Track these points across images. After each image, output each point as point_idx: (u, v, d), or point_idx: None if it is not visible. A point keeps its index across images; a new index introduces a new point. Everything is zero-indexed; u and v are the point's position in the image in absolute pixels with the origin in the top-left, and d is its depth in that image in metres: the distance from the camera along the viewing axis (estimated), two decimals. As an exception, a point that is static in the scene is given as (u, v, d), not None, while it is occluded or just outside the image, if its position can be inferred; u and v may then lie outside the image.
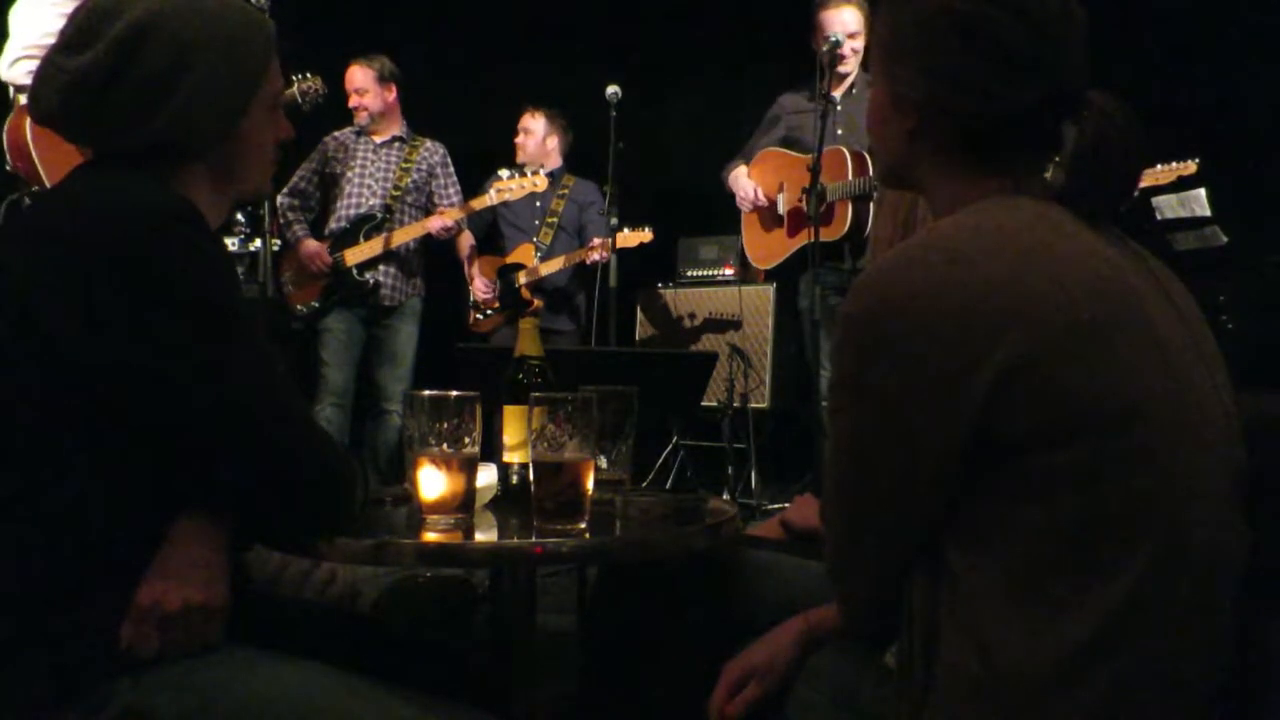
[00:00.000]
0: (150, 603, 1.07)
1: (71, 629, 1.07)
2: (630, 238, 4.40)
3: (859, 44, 3.79)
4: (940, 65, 1.04)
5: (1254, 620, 0.97)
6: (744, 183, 4.09)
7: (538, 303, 4.49)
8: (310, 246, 4.11)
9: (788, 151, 3.99)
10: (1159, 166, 3.62)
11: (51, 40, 1.22)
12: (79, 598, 1.08)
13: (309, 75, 3.86)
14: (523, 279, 4.54)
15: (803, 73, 3.85)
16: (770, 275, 4.78)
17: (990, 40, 1.02)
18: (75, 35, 1.18)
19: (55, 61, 1.18)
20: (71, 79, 1.16)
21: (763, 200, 4.03)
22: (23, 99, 3.10)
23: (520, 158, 4.59)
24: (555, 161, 4.66)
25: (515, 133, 4.66)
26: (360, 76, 4.19)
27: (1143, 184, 3.65)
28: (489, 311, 4.58)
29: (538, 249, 4.57)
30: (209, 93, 1.21)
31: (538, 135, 4.62)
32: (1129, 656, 0.90)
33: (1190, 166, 3.58)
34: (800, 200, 3.91)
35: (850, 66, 3.84)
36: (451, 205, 4.27)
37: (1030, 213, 1.00)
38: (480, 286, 4.53)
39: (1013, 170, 1.05)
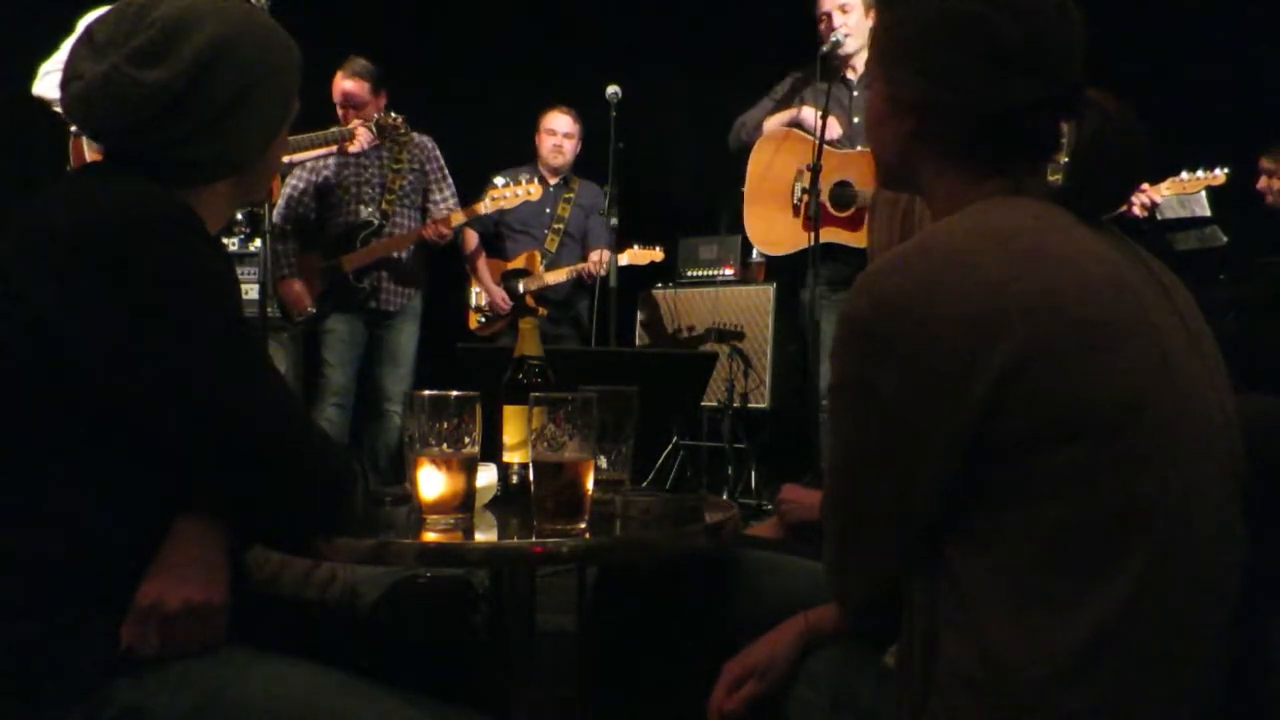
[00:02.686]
0: (150, 603, 1.08)
1: (71, 629, 1.07)
2: (641, 255, 4.41)
3: (851, 19, 3.59)
4: (935, 66, 1.05)
5: (1254, 620, 0.97)
6: (806, 112, 3.75)
7: (543, 311, 4.48)
8: (293, 291, 4.05)
9: (810, 137, 3.71)
10: (1184, 175, 3.58)
11: None
12: (79, 598, 1.08)
13: (393, 114, 3.99)
14: (529, 286, 4.50)
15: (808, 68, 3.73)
16: (771, 272, 4.78)
17: (984, 40, 1.02)
18: (146, 47, 1.15)
19: (124, 71, 1.15)
20: (145, 93, 1.15)
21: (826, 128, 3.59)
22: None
23: (558, 161, 4.55)
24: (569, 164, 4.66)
25: (536, 133, 4.60)
26: (356, 89, 4.08)
27: (1167, 192, 3.60)
28: (491, 317, 4.55)
29: (544, 256, 4.55)
30: (260, 119, 1.24)
31: (576, 138, 4.60)
32: (1129, 657, 0.90)
33: (1219, 177, 3.54)
34: (821, 194, 3.79)
35: (850, 46, 3.63)
36: (446, 203, 4.25)
37: (1030, 213, 1.00)
38: (500, 296, 4.50)
39: (1012, 170, 1.05)
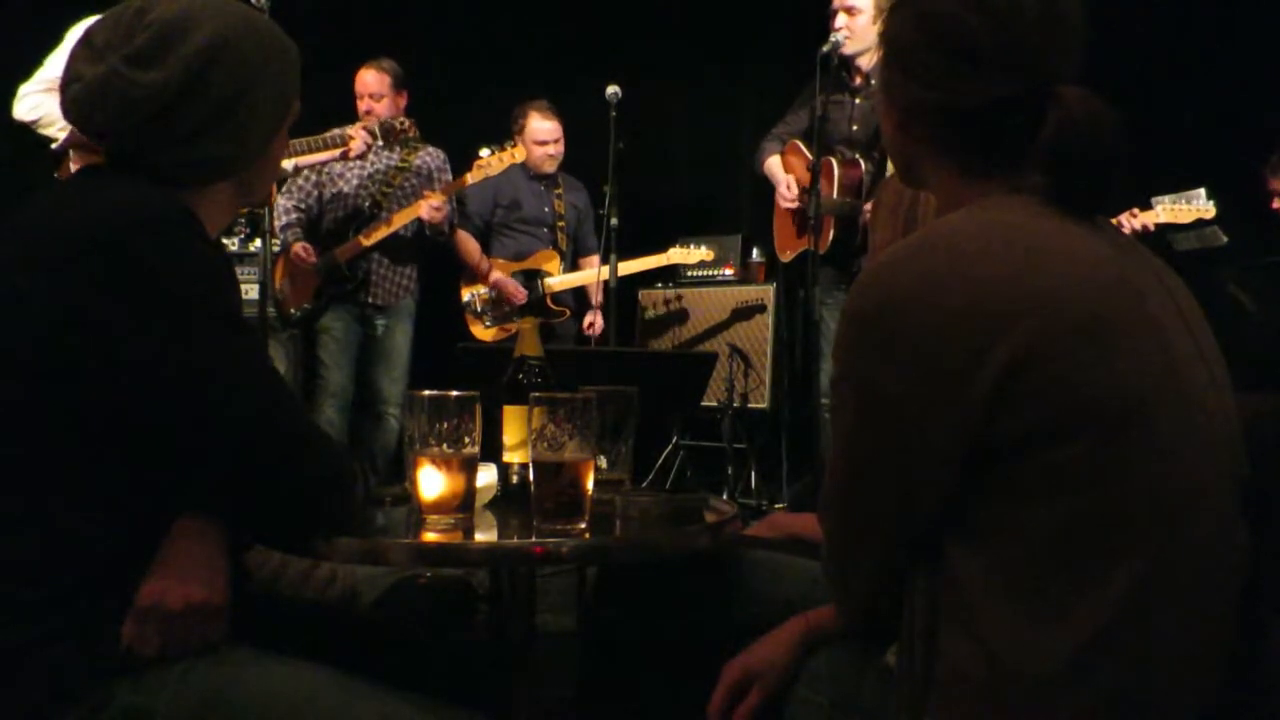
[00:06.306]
0: (151, 602, 1.08)
1: (71, 629, 1.07)
2: (691, 255, 4.39)
3: (858, 22, 3.57)
4: (913, 62, 1.07)
5: (1254, 620, 0.97)
6: (780, 176, 3.92)
7: (568, 313, 4.46)
8: (297, 247, 4.05)
9: (805, 149, 3.84)
10: (1168, 202, 3.67)
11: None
12: (79, 598, 1.08)
13: (402, 119, 4.00)
14: (554, 288, 4.43)
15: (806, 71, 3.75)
16: (771, 272, 4.79)
17: (954, 38, 1.03)
18: (144, 49, 1.15)
19: (122, 73, 1.15)
20: (143, 94, 1.15)
21: (791, 199, 3.87)
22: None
23: (552, 169, 4.47)
24: None
25: (520, 139, 4.49)
26: (375, 82, 4.13)
27: (1162, 220, 3.70)
28: (496, 317, 4.49)
29: (561, 257, 4.51)
30: (258, 119, 1.24)
31: (562, 138, 4.48)
32: (1130, 656, 0.90)
33: (1210, 210, 3.69)
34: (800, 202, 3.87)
35: (852, 47, 3.64)
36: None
37: (1030, 211, 1.00)
38: (513, 289, 4.38)
39: (1008, 168, 1.05)
